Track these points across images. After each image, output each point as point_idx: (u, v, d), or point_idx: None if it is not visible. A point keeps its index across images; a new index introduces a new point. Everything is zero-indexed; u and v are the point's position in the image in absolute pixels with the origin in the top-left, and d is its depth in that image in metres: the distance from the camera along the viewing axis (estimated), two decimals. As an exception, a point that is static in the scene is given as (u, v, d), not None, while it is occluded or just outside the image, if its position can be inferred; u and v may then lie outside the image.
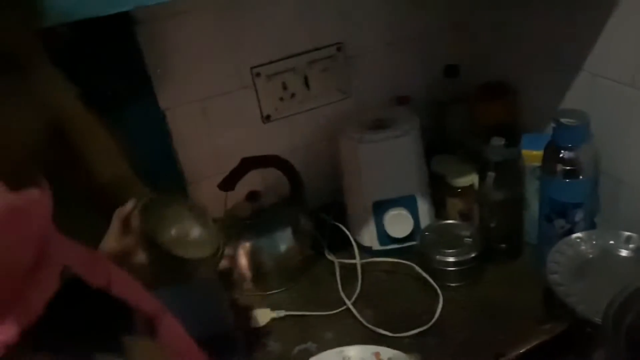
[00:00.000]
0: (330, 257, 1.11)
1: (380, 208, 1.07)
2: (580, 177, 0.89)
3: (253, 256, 1.06)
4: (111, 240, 0.65)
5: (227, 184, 1.03)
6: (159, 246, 0.64)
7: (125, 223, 0.66)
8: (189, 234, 0.69)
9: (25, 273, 0.42)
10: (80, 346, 0.45)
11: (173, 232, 0.68)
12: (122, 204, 0.70)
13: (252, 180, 1.07)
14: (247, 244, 1.05)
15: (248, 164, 1.04)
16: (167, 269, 0.66)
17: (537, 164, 0.96)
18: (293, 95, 1.13)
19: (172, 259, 0.64)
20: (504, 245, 1.04)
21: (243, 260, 1.06)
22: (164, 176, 1.03)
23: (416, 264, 1.04)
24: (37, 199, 0.42)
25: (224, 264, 0.75)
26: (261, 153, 1.06)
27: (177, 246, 0.66)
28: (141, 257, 0.65)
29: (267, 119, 1.13)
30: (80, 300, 0.49)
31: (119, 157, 0.77)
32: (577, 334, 0.79)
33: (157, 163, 1.00)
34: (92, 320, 0.48)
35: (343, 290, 1.02)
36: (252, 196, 1.07)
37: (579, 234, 0.91)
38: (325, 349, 0.90)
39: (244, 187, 1.05)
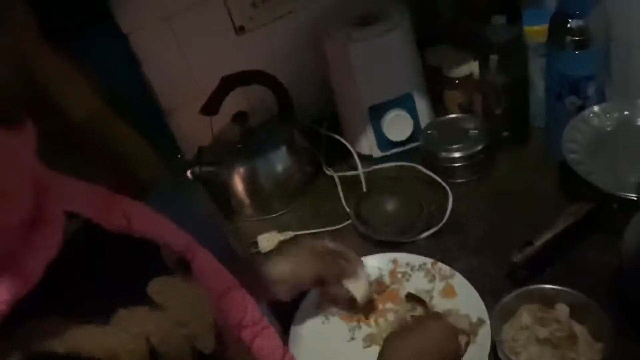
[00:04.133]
0: (330, 171, 1.05)
1: (377, 112, 1.00)
2: (591, 47, 0.82)
3: (249, 180, 0.99)
4: None
5: (210, 107, 0.94)
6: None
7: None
8: None
9: (17, 231, 0.36)
10: (100, 301, 0.39)
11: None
12: (102, 141, 0.66)
13: (236, 101, 0.99)
14: (242, 169, 0.99)
15: (229, 83, 0.95)
16: None
17: (542, 40, 0.89)
18: None
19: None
20: (510, 133, 0.99)
21: (239, 186, 1.00)
22: (138, 107, 0.94)
23: (421, 165, 0.99)
24: (23, 137, 0.36)
25: None
26: (240, 69, 0.96)
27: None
28: None
29: (240, 30, 1.02)
30: (97, 248, 0.43)
31: (88, 92, 0.73)
32: (604, 211, 0.75)
33: (128, 93, 0.91)
34: (113, 269, 0.42)
35: (347, 203, 0.98)
36: (239, 117, 0.99)
37: (593, 109, 0.85)
38: (340, 264, 0.86)
39: (228, 109, 0.97)
